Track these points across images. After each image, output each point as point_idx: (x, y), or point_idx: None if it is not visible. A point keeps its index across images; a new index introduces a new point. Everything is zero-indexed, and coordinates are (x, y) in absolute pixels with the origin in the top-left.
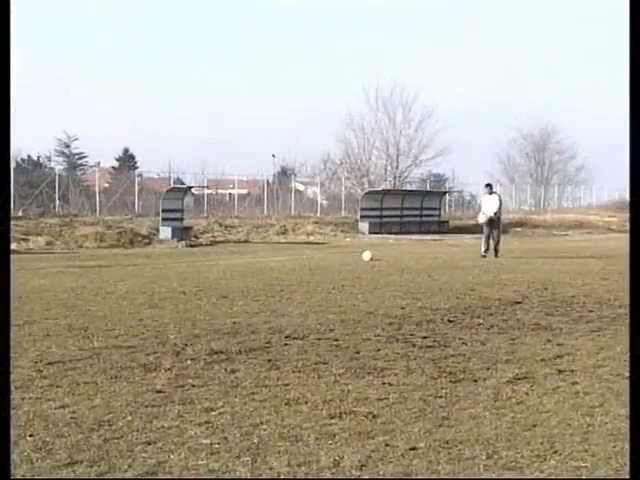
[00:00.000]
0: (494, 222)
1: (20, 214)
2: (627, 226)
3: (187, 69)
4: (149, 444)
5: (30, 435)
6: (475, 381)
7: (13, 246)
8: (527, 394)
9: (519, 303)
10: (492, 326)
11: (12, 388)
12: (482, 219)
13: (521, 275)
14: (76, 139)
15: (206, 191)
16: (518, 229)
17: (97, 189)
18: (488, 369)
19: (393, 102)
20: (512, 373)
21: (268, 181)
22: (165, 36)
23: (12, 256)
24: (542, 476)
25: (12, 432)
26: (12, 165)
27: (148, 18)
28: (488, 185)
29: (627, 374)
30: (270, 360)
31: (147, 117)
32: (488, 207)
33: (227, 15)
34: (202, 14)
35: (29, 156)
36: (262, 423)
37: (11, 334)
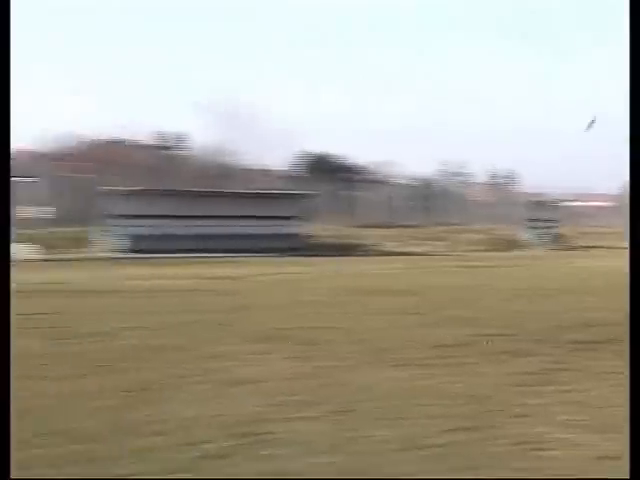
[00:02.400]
0: None
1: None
2: None
3: None
4: (517, 417)
5: (423, 405)
6: None
7: (418, 249)
8: None
9: None
10: None
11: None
12: None
13: None
14: (465, 165)
15: (571, 204)
16: None
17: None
18: None
19: None
20: None
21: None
22: None
23: (419, 257)
24: None
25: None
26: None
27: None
28: None
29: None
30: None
31: None
32: None
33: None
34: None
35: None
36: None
37: (406, 322)
